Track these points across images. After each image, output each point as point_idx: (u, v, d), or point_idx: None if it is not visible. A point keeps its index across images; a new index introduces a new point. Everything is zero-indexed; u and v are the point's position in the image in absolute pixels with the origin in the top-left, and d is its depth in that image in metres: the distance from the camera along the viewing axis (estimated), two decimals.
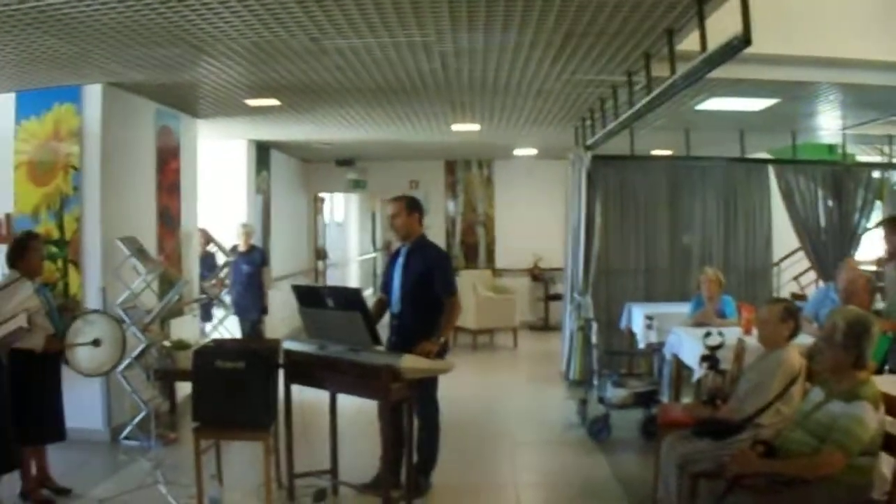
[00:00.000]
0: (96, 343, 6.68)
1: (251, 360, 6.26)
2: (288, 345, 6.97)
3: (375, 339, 6.32)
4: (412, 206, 7.11)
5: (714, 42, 5.36)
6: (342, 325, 6.35)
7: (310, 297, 6.90)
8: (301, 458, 6.91)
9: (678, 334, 8.44)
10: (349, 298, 6.50)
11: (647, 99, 7.09)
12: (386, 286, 7.22)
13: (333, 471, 7.06)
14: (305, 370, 6.71)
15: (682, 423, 5.97)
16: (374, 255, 27.06)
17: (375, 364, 6.12)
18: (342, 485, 7.02)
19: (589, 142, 10.68)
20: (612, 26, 6.49)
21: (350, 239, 23.69)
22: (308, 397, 7.11)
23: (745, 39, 4.86)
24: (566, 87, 9.23)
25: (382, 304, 7.16)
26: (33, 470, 6.93)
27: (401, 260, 7.07)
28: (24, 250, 6.73)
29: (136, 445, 8.36)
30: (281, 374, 6.71)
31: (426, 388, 6.81)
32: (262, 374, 6.27)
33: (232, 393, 6.22)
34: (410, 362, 6.11)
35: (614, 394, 8.57)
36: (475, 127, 12.58)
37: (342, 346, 6.44)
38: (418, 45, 7.19)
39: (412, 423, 6.52)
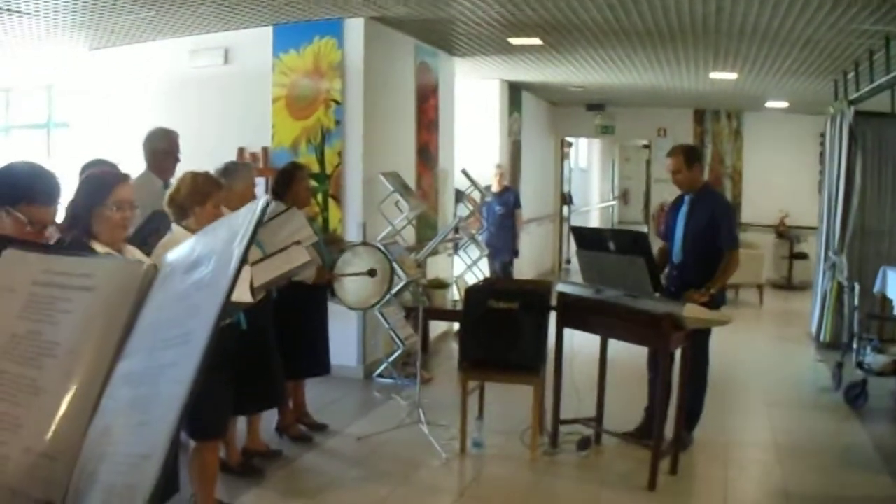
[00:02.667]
0: (371, 273, 6.54)
1: (526, 301, 6.05)
2: (561, 287, 6.70)
3: (657, 287, 5.99)
4: (691, 158, 6.65)
5: None
6: (622, 270, 6.03)
7: (590, 239, 6.59)
8: (566, 404, 6.65)
9: None
10: (634, 243, 6.15)
11: None
12: (666, 235, 6.83)
13: (598, 419, 6.78)
14: (579, 314, 6.40)
15: None
16: (612, 203, 26.66)
17: (656, 312, 5.75)
18: (605, 433, 6.75)
19: (853, 96, 10.01)
20: None
21: (592, 185, 23.31)
22: (576, 341, 6.86)
23: None
24: (836, 37, 8.67)
25: (664, 253, 6.76)
26: (291, 405, 6.95)
27: (684, 208, 6.64)
28: (291, 181, 6.66)
29: (390, 383, 8.35)
30: (552, 317, 6.43)
31: (700, 340, 6.42)
32: (535, 315, 6.05)
33: (504, 334, 6.02)
34: (692, 312, 5.71)
35: (875, 360, 7.99)
36: (733, 76, 12.04)
37: (619, 292, 6.10)
38: None
39: (686, 374, 6.12)
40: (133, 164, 6.43)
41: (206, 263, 1.37)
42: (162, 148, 6.49)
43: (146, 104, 9.23)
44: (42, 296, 1.47)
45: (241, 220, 1.37)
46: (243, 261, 1.30)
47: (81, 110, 9.84)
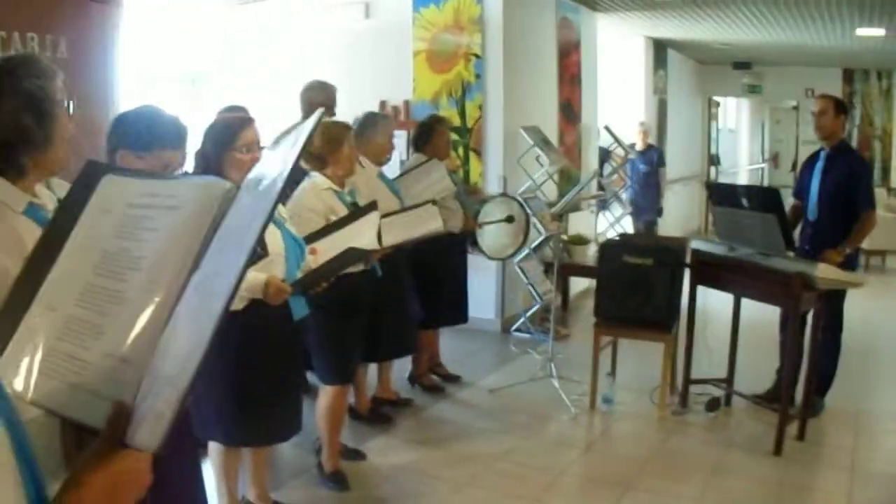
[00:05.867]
0: (510, 220, 6.57)
1: (660, 258, 5.99)
2: (696, 244, 6.59)
3: (789, 245, 5.83)
4: (841, 108, 6.41)
5: None
6: (755, 227, 5.86)
7: (724, 195, 6.44)
8: (697, 364, 6.56)
9: None
10: (766, 199, 5.96)
11: None
12: (799, 192, 6.64)
13: (729, 380, 6.64)
14: (712, 272, 6.27)
15: None
16: (762, 165, 26.01)
17: (787, 270, 5.59)
18: (736, 395, 6.61)
19: None
20: None
21: (741, 147, 22.77)
22: (710, 301, 6.75)
23: None
24: None
25: (797, 211, 6.55)
26: (425, 355, 7.02)
27: (820, 164, 6.41)
28: (431, 134, 6.71)
29: (527, 338, 8.35)
30: (686, 274, 6.34)
31: (835, 302, 6.21)
32: (669, 272, 5.99)
33: (637, 290, 5.99)
34: (824, 272, 5.53)
35: None
36: (880, 31, 11.50)
37: (752, 249, 5.96)
38: None
39: (817, 337, 5.96)
40: (274, 116, 6.59)
41: (268, 176, 1.44)
42: (318, 100, 6.58)
43: (290, 57, 9.41)
44: (133, 216, 1.56)
45: (302, 131, 1.44)
46: (294, 170, 1.37)
47: (227, 62, 10.03)
